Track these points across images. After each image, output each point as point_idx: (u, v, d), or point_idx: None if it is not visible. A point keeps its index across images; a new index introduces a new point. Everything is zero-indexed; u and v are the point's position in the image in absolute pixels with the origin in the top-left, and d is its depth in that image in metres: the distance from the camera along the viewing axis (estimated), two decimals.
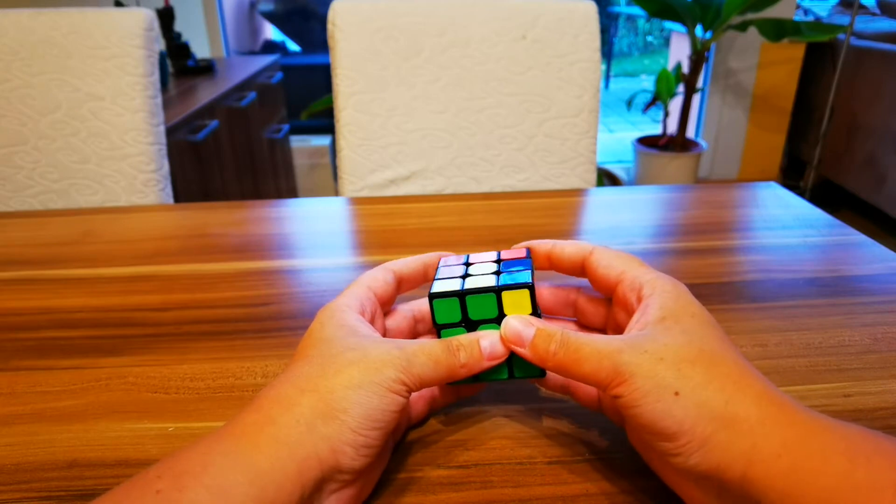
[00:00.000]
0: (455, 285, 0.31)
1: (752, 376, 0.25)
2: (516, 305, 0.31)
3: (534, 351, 0.29)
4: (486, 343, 0.30)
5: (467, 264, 0.34)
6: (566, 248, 0.33)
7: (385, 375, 0.27)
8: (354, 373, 0.26)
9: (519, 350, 0.29)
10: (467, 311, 0.31)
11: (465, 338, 0.30)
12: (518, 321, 0.30)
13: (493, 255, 0.35)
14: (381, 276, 0.34)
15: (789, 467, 0.22)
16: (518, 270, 0.32)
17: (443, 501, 0.29)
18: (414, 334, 0.36)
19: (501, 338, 0.30)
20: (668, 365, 0.25)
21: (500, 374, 0.31)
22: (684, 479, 0.26)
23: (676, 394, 0.24)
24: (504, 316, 0.31)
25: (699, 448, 0.24)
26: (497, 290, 0.31)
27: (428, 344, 0.29)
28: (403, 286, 0.35)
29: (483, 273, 0.32)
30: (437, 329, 0.32)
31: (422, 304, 0.36)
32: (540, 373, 0.31)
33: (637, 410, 0.25)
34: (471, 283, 0.31)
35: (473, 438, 0.33)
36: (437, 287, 0.32)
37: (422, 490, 0.29)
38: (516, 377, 0.32)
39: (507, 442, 0.32)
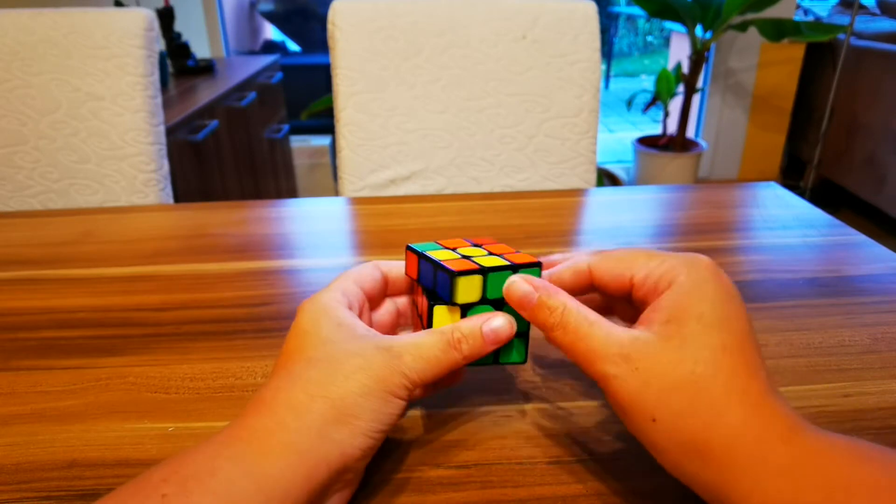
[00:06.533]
0: (468, 264, 0.31)
1: (738, 400, 0.24)
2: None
3: (534, 321, 0.29)
4: (489, 329, 0.30)
5: (447, 249, 0.34)
6: (564, 275, 0.32)
7: (391, 383, 0.27)
8: (363, 380, 0.27)
9: (523, 314, 0.30)
10: (486, 289, 0.31)
11: (465, 327, 0.29)
12: (525, 283, 0.30)
13: (465, 242, 0.35)
14: (369, 272, 0.34)
15: None
16: (512, 253, 0.33)
17: (443, 501, 0.29)
18: (396, 326, 0.36)
19: (514, 295, 0.30)
20: (651, 390, 0.25)
21: (486, 359, 0.31)
22: None
23: (654, 420, 0.25)
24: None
25: (672, 470, 0.25)
26: (514, 269, 0.31)
27: (426, 345, 0.29)
28: (389, 287, 0.35)
29: (480, 255, 0.32)
30: (430, 306, 0.31)
31: (404, 299, 0.36)
32: (524, 356, 0.32)
33: (621, 414, 0.26)
34: (482, 262, 0.31)
35: (473, 438, 0.33)
36: (455, 266, 0.31)
37: (422, 490, 0.29)
38: (501, 363, 0.32)
39: (507, 442, 0.32)
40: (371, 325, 0.34)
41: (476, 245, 0.34)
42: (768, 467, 0.23)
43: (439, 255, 0.32)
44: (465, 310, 0.31)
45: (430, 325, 0.31)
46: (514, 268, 0.31)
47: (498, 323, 0.30)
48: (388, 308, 0.36)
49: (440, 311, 0.31)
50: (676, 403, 0.24)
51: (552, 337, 0.28)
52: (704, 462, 0.24)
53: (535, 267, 0.31)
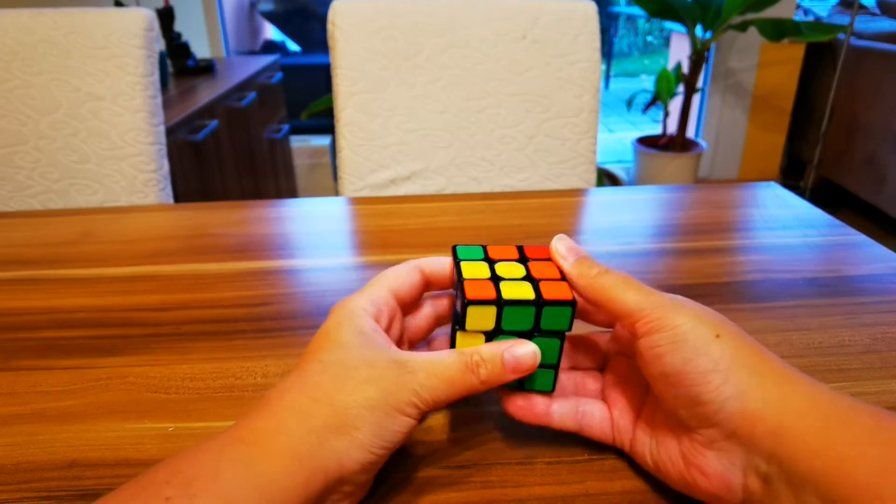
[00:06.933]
0: (490, 290, 0.29)
1: (776, 359, 0.27)
2: (553, 321, 0.29)
3: (578, 267, 0.30)
4: (510, 357, 0.28)
5: (488, 259, 0.32)
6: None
7: (399, 399, 0.26)
8: (370, 392, 0.26)
9: (562, 263, 0.30)
10: (501, 320, 0.29)
11: (486, 351, 0.28)
12: (566, 244, 0.31)
13: (514, 252, 0.32)
14: (407, 277, 0.32)
15: (820, 422, 0.23)
16: (554, 280, 0.30)
17: (443, 501, 0.29)
18: (431, 330, 0.35)
19: (570, 273, 0.30)
20: (708, 318, 0.27)
21: (510, 385, 0.30)
22: (712, 450, 0.26)
23: (718, 336, 0.26)
24: (537, 331, 0.29)
25: (734, 392, 0.25)
26: (539, 305, 0.28)
27: (443, 364, 0.28)
28: (432, 286, 0.34)
29: (514, 278, 0.30)
30: (454, 328, 0.30)
31: (444, 301, 0.34)
32: (551, 386, 0.30)
33: (676, 347, 0.26)
34: (507, 290, 0.29)
35: (473, 438, 0.33)
36: (472, 291, 0.29)
37: (422, 490, 0.29)
38: (525, 389, 0.30)
39: (507, 442, 0.32)
40: (403, 331, 0.33)
41: (522, 259, 0.32)
42: (822, 389, 0.25)
43: (470, 269, 0.30)
44: (492, 335, 0.29)
45: (453, 346, 0.30)
46: (540, 304, 0.28)
47: (521, 351, 0.28)
48: (425, 312, 0.34)
49: (463, 335, 0.29)
50: (732, 333, 0.27)
51: (597, 284, 0.29)
52: (761, 377, 0.25)
53: (566, 306, 0.28)
